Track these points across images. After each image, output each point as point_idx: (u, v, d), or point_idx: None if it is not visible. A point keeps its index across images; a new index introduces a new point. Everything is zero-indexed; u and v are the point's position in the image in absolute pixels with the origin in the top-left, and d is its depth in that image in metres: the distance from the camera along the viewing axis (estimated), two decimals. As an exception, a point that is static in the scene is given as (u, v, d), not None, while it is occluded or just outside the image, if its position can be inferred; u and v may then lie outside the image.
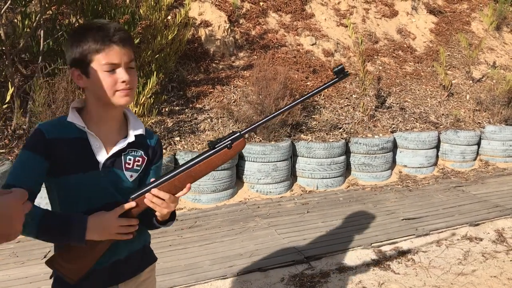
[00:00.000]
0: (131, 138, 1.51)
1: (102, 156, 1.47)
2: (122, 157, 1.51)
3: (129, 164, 1.52)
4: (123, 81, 1.42)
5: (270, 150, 5.03)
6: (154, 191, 1.41)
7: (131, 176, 1.53)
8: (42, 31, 4.74)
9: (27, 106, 4.56)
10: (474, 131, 6.46)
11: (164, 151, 3.56)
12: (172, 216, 1.55)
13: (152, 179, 1.46)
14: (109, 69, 1.41)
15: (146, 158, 1.57)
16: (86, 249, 1.41)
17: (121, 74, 1.42)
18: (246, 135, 1.60)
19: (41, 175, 1.42)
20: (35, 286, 3.15)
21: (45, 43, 4.73)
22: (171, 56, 5.60)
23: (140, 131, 1.54)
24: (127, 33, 1.47)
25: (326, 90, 6.37)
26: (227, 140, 1.45)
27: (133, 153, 1.54)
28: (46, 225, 1.36)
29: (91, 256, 1.43)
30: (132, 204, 1.42)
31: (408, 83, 7.27)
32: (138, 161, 1.55)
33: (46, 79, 4.40)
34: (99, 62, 1.40)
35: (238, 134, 1.46)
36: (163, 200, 1.42)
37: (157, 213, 1.49)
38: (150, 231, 1.70)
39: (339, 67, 1.48)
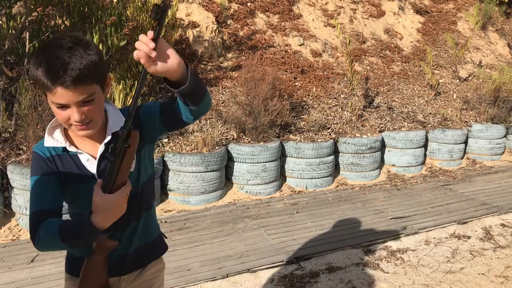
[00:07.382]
0: (107, 139, 1.47)
1: (93, 167, 1.48)
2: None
3: None
4: (75, 120, 1.36)
5: (259, 151, 5.03)
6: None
7: None
8: (27, 33, 4.68)
9: (12, 109, 4.51)
10: (461, 130, 6.52)
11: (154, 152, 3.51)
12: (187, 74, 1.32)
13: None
14: (59, 107, 1.35)
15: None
16: (89, 266, 1.44)
17: (72, 112, 1.35)
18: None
19: (57, 189, 1.45)
20: (22, 291, 3.12)
21: (30, 45, 4.68)
22: (159, 58, 5.56)
23: (118, 128, 1.39)
24: (83, 69, 1.30)
25: (314, 89, 6.40)
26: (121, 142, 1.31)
27: None
28: (64, 232, 1.35)
29: (96, 271, 1.46)
30: (100, 181, 1.33)
31: (395, 83, 7.31)
32: None
33: (32, 81, 4.35)
34: (49, 98, 1.35)
35: (126, 131, 1.30)
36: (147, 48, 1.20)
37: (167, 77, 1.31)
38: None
39: (156, 8, 1.17)
